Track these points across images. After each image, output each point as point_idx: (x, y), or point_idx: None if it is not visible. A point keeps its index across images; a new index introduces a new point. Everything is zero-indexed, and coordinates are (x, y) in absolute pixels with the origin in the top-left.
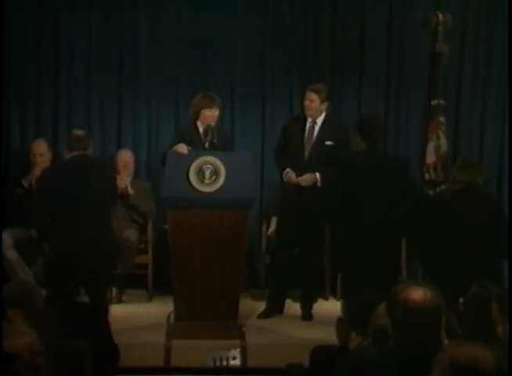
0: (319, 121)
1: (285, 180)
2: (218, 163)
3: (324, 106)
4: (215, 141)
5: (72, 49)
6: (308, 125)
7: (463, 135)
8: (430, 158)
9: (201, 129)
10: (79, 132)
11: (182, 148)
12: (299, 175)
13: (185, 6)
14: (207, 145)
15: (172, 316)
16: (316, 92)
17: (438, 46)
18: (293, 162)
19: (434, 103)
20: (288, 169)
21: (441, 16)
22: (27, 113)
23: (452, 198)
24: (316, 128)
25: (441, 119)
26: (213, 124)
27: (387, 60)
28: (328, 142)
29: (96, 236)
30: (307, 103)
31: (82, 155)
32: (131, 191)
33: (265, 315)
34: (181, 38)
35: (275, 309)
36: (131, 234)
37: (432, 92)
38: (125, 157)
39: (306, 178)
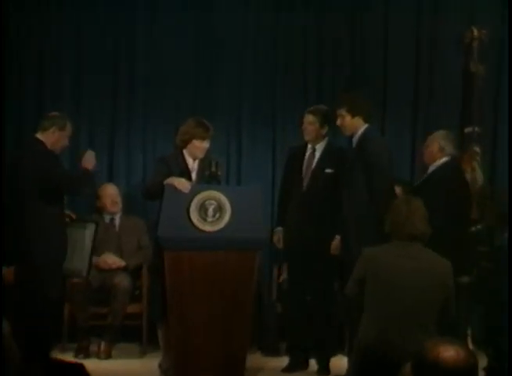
0: (319, 147)
1: (274, 241)
2: (223, 198)
3: (324, 130)
4: (219, 173)
5: (60, 64)
6: (307, 153)
7: (501, 166)
8: None
9: (189, 161)
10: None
11: (183, 185)
12: (298, 208)
13: (191, 25)
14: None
15: (163, 366)
16: (314, 113)
17: (472, 65)
18: (294, 195)
19: (467, 130)
20: (279, 228)
21: (476, 32)
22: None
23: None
24: (316, 156)
25: (476, 149)
26: (202, 156)
27: (414, 82)
28: (328, 170)
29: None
30: (304, 126)
31: (30, 139)
32: (123, 263)
33: (288, 369)
34: (182, 58)
35: (297, 363)
36: (122, 279)
37: (466, 118)
38: (111, 192)
39: (334, 248)
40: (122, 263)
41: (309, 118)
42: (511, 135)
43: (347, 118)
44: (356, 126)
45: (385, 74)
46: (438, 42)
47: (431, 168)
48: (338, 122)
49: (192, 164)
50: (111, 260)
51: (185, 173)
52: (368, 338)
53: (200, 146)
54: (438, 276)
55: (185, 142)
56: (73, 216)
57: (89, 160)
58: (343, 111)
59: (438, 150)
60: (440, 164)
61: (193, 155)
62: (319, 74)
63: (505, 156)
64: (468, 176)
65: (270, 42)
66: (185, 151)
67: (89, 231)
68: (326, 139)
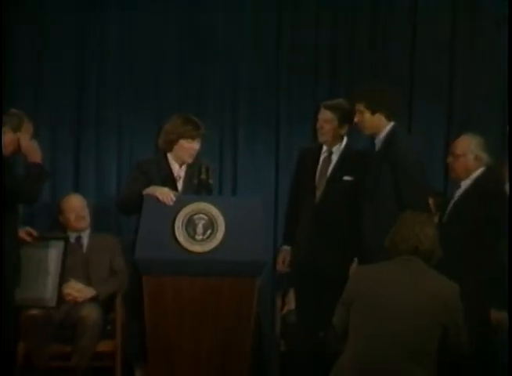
0: (337, 149)
1: (278, 268)
2: (215, 212)
3: (343, 129)
4: (210, 181)
5: (17, 52)
6: (322, 156)
7: None
8: None
9: (175, 166)
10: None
11: (167, 195)
12: (310, 222)
13: (179, 20)
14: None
15: None
16: (332, 109)
17: None
18: (304, 207)
19: None
20: (285, 247)
21: None
22: None
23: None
24: (333, 160)
25: None
26: (191, 160)
27: (448, 73)
28: (347, 178)
29: None
30: (320, 124)
31: None
32: (92, 293)
33: None
34: (167, 53)
35: None
36: (91, 311)
37: None
38: (76, 205)
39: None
40: (91, 293)
41: (326, 115)
42: (511, 137)
43: (367, 115)
44: (378, 125)
45: (413, 64)
46: (476, 23)
47: (466, 183)
48: (356, 119)
49: (178, 171)
50: (77, 290)
51: (170, 181)
52: (344, 365)
53: (189, 147)
54: (439, 298)
55: (171, 144)
56: (35, 233)
57: (33, 149)
58: (361, 106)
59: (474, 161)
60: (476, 177)
61: (180, 159)
62: (333, 66)
63: None
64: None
65: (271, 40)
66: (169, 155)
67: (56, 250)
68: (345, 140)
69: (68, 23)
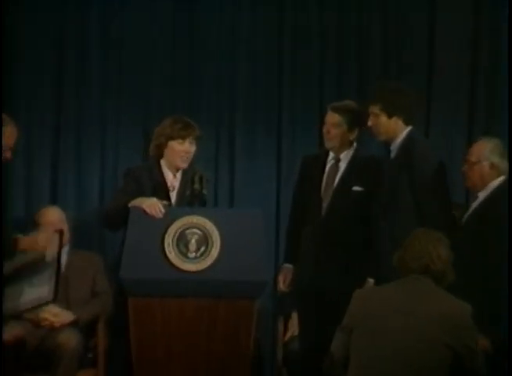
0: (345, 156)
1: (279, 288)
2: (210, 226)
3: (353, 134)
4: (204, 191)
5: None
6: (328, 164)
7: None
8: None
9: (168, 175)
10: None
11: (155, 207)
12: (315, 238)
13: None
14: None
15: None
16: (341, 112)
17: None
18: (309, 221)
19: None
20: (287, 265)
21: None
22: None
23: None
24: (341, 168)
25: None
26: (185, 165)
27: (469, 70)
28: (356, 188)
29: None
30: (326, 128)
31: None
32: (70, 317)
33: None
34: (156, 44)
35: None
36: (70, 337)
37: None
38: (54, 218)
39: None
40: (70, 317)
41: (334, 118)
42: (511, 138)
43: (383, 119)
44: (394, 129)
45: (429, 63)
46: (499, 20)
47: (483, 194)
48: (370, 122)
49: (172, 180)
50: (53, 314)
51: (162, 191)
52: None
53: (181, 148)
54: (447, 319)
55: (160, 148)
56: None
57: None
58: (376, 109)
59: (490, 170)
60: (494, 187)
61: (173, 165)
62: (340, 57)
63: None
64: None
65: (273, 37)
66: (162, 162)
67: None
68: (354, 146)
69: (46, 21)
